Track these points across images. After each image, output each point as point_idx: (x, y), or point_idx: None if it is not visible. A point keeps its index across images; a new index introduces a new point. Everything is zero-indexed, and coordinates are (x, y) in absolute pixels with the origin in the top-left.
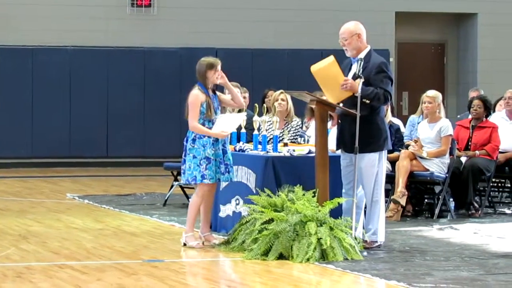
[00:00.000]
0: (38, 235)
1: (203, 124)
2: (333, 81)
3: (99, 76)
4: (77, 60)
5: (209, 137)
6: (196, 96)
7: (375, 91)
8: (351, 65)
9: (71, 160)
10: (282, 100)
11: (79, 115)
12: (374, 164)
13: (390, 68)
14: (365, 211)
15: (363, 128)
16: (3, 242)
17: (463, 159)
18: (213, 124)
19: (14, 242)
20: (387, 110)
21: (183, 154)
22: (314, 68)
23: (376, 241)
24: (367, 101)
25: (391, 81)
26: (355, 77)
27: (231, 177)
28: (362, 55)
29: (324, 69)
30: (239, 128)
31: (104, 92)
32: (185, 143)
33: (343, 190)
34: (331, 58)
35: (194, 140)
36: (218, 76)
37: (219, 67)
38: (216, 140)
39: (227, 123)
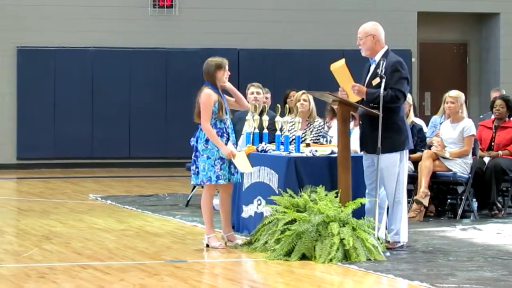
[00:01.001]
0: (61, 236)
1: (215, 124)
2: (346, 82)
3: (121, 77)
4: (99, 61)
5: (222, 137)
6: (209, 95)
7: (379, 92)
8: (370, 66)
9: (93, 161)
10: (304, 100)
11: (101, 116)
12: (396, 164)
13: (405, 67)
14: (387, 212)
15: (383, 128)
16: (26, 243)
17: (486, 159)
18: (224, 124)
19: (37, 242)
20: (409, 110)
21: (193, 155)
22: (332, 67)
23: (399, 242)
24: (377, 111)
25: (407, 80)
26: (373, 77)
27: (239, 178)
28: (378, 56)
29: (338, 70)
30: (261, 128)
31: (126, 93)
32: (195, 143)
33: (366, 191)
34: (341, 62)
35: (207, 141)
36: (227, 76)
37: (227, 67)
38: (227, 140)
39: (240, 154)
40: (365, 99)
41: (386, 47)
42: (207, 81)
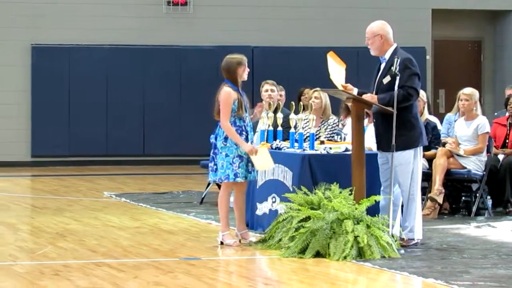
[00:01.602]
0: (75, 233)
1: (234, 122)
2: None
3: (135, 75)
4: (114, 59)
5: (241, 135)
6: (229, 93)
7: (390, 94)
8: (380, 64)
9: (108, 159)
10: (316, 98)
11: (116, 114)
12: (410, 162)
13: (415, 63)
14: (402, 209)
15: (397, 126)
16: (40, 240)
17: (500, 157)
18: (243, 122)
19: (52, 240)
20: (423, 107)
21: (212, 152)
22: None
23: (413, 239)
24: (391, 109)
25: (417, 76)
26: (384, 75)
27: (255, 176)
28: (387, 54)
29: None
30: (276, 126)
31: (140, 91)
32: (213, 140)
33: (381, 188)
34: (330, 53)
35: (226, 139)
36: (246, 73)
37: (246, 63)
38: (247, 138)
39: (262, 150)
40: (378, 104)
41: (395, 45)
42: (226, 79)
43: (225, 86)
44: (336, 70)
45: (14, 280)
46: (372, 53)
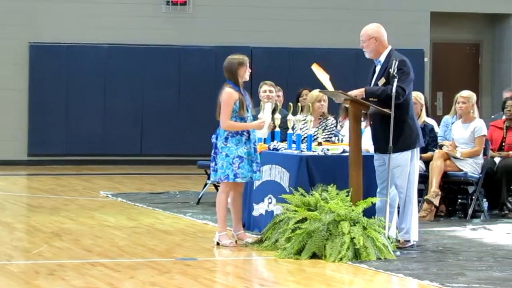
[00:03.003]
0: (71, 233)
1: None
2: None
3: (134, 74)
4: (112, 58)
5: (241, 135)
6: (230, 94)
7: (381, 88)
8: (375, 67)
9: (104, 158)
10: (324, 101)
11: (114, 113)
12: (406, 164)
13: (408, 65)
14: (398, 211)
15: (394, 127)
16: (36, 239)
17: (497, 160)
18: (245, 122)
19: (47, 239)
20: (420, 110)
21: (213, 152)
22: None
23: (409, 240)
24: (375, 99)
25: (409, 77)
26: (380, 77)
27: (261, 176)
28: (382, 56)
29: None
30: (274, 126)
31: (138, 90)
32: (214, 140)
33: (378, 190)
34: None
35: (226, 139)
36: (248, 73)
37: (248, 64)
38: (248, 138)
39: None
40: (365, 97)
41: (389, 47)
42: (228, 79)
43: (226, 86)
44: (324, 78)
45: (9, 280)
46: (367, 55)
